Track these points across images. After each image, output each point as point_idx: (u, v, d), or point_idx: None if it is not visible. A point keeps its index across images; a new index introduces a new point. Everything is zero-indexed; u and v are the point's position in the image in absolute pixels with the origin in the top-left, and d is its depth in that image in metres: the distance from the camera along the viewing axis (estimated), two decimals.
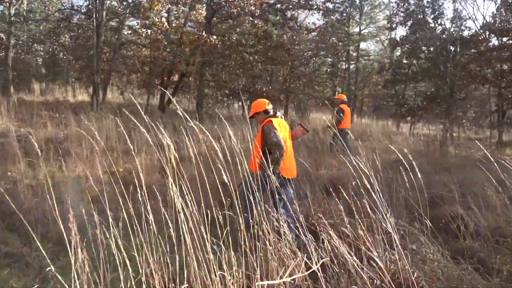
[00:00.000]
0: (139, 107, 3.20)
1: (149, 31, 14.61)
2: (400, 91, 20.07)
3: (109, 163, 5.97)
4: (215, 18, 13.47)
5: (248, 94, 15.49)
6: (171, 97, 4.05)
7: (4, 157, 6.38)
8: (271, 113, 4.15)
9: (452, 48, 15.98)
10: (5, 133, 7.95)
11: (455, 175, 5.86)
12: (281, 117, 4.20)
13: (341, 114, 8.78)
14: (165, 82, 14.78)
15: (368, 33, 28.06)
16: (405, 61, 19.39)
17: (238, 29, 15.00)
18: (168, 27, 13.13)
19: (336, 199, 3.31)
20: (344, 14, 26.79)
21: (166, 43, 14.37)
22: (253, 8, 11.80)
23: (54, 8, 16.72)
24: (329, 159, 7.18)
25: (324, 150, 7.83)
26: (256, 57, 13.13)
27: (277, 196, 3.40)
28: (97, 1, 13.56)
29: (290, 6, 12.30)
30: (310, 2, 12.03)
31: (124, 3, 17.80)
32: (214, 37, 11.52)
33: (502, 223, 3.49)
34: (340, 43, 21.88)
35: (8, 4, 14.38)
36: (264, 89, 14.55)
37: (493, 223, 3.46)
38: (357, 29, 27.87)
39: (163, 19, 14.97)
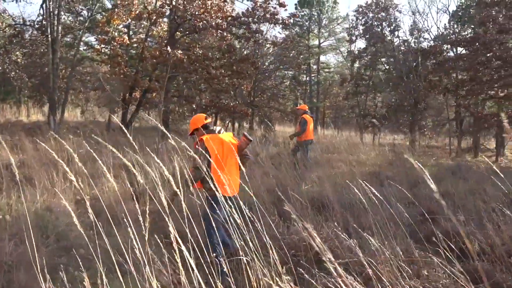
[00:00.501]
0: (121, 126, 2.83)
1: (108, 46, 14.03)
2: (361, 102, 20.45)
3: (74, 190, 5.46)
4: (178, 32, 13.15)
5: (215, 108, 15.16)
6: (146, 115, 3.71)
7: None
8: (211, 127, 3.91)
9: (412, 59, 16.47)
10: None
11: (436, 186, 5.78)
12: (221, 131, 3.95)
13: (305, 125, 8.60)
14: (127, 99, 14.19)
15: (328, 46, 28.63)
16: (363, 72, 19.87)
17: (202, 43, 14.72)
18: (128, 42, 12.65)
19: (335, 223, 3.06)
20: (304, 28, 27.28)
21: (126, 58, 13.83)
22: (220, 21, 11.60)
23: (4, 23, 15.72)
24: (309, 174, 6.98)
25: (302, 164, 7.63)
26: (222, 71, 12.90)
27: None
28: (52, 16, 12.88)
29: (256, 20, 12.22)
30: (276, 16, 12.03)
31: (80, 18, 17.10)
32: (180, 51, 11.18)
33: (507, 239, 3.36)
34: (301, 56, 22.13)
35: None
36: (231, 103, 14.31)
37: (497, 240, 3.31)
38: (316, 42, 28.39)
39: (123, 35, 14.45)
